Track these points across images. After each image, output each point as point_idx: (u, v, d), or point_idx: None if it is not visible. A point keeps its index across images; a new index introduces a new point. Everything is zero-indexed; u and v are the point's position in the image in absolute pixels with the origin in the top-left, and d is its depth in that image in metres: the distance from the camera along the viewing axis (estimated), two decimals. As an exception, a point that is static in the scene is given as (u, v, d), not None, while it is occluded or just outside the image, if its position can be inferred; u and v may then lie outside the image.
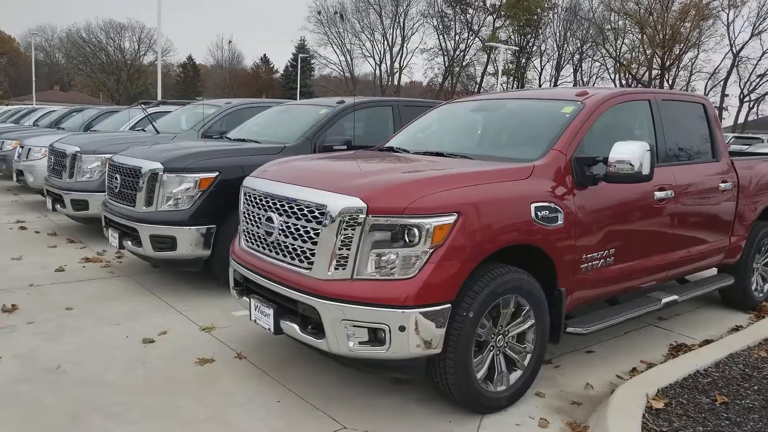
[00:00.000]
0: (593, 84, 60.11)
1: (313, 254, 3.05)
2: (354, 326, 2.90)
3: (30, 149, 9.01)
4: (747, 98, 47.68)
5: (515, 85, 61.50)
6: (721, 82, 48.43)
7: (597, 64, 58.18)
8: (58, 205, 7.15)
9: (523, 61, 61.70)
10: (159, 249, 4.95)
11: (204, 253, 4.98)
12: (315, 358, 3.78)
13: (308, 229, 3.09)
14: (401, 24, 63.56)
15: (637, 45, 51.80)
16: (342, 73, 65.71)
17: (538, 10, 57.43)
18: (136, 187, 5.12)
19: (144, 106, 9.84)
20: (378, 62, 64.96)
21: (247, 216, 3.64)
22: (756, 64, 46.16)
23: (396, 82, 64.71)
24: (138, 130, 9.10)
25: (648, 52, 49.55)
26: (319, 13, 63.12)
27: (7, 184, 12.18)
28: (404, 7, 62.83)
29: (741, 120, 47.87)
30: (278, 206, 3.29)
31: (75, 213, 6.94)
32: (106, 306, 4.76)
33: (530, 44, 60.60)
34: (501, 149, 3.81)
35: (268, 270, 3.31)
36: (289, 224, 3.21)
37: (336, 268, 2.97)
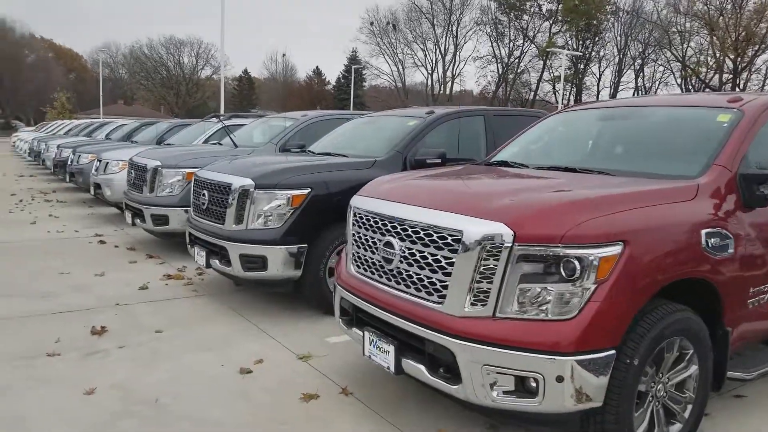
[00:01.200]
0: (657, 90, 57.85)
1: (445, 286, 2.69)
2: (498, 373, 2.50)
3: (107, 163, 9.07)
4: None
5: (573, 92, 59.90)
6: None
7: (660, 68, 56.07)
8: (138, 220, 7.08)
9: (582, 66, 60.10)
10: (249, 269, 4.71)
11: (295, 274, 4.70)
12: (429, 396, 3.40)
13: (439, 257, 2.72)
14: (454, 32, 63.19)
15: (705, 48, 49.54)
16: (394, 82, 65.77)
17: (598, 15, 55.78)
18: (225, 204, 4.90)
19: (220, 119, 9.80)
20: (430, 71, 64.73)
21: (358, 239, 3.31)
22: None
23: (448, 91, 64.17)
24: (213, 143, 9.03)
25: (718, 55, 47.24)
26: (372, 24, 63.53)
27: (83, 196, 12.44)
28: (457, 16, 62.47)
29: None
30: (399, 230, 2.94)
31: (155, 228, 6.84)
32: (196, 329, 4.54)
33: (589, 49, 58.94)
34: (647, 164, 3.33)
35: (388, 301, 2.96)
36: (414, 251, 2.85)
37: (474, 304, 2.59)
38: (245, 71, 74.04)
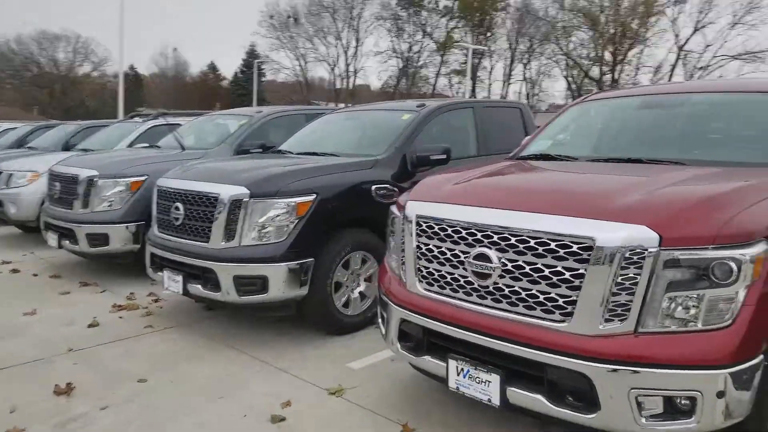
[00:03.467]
0: (540, 82, 60.88)
1: (570, 302, 2.28)
2: (646, 395, 2.16)
3: (11, 175, 7.64)
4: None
5: (470, 86, 61.59)
6: (666, 76, 49.84)
7: (545, 61, 58.97)
8: (67, 241, 5.94)
9: (476, 61, 61.93)
10: (246, 293, 3.96)
11: (300, 294, 4.02)
12: (501, 418, 2.92)
13: (560, 269, 2.29)
14: (355, 27, 62.71)
15: (587, 42, 52.77)
16: (296, 77, 64.24)
17: (492, 11, 57.80)
18: (210, 218, 4.09)
19: (143, 118, 8.67)
20: (332, 66, 63.86)
21: (427, 252, 2.76)
22: (699, 58, 47.75)
23: (350, 86, 63.72)
24: (143, 147, 7.91)
25: (599, 48, 50.54)
26: (272, 17, 61.51)
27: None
28: (358, 11, 62.06)
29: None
30: (497, 240, 2.46)
31: (91, 250, 5.75)
32: (187, 371, 3.73)
33: (483, 44, 60.89)
34: (727, 153, 3.09)
35: (485, 323, 2.49)
36: (521, 263, 2.39)
37: (609, 320, 2.21)
38: (131, 67, 68.98)
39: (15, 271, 6.47)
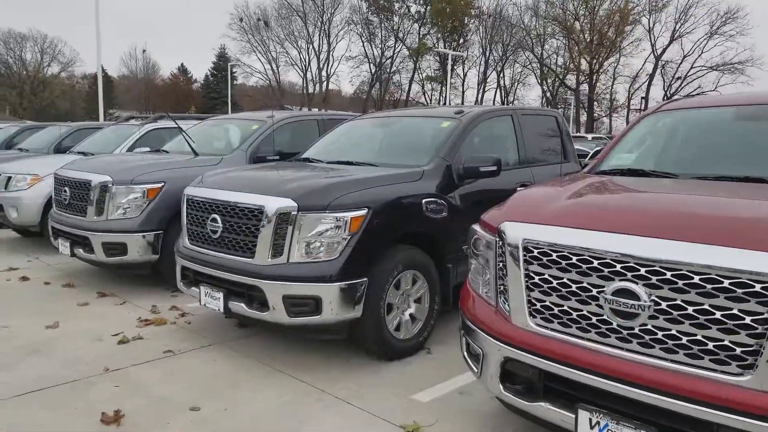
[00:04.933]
0: (515, 89, 61.56)
1: (751, 352, 2.00)
2: None
3: (10, 177, 7.23)
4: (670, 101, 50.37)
5: (441, 92, 61.85)
6: (644, 86, 51.03)
7: (519, 69, 59.68)
8: (80, 249, 5.62)
9: (449, 68, 62.30)
10: (297, 314, 3.73)
11: (353, 315, 3.81)
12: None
13: (737, 312, 2.02)
14: (326, 31, 62.37)
15: (562, 50, 53.62)
16: (268, 81, 63.48)
17: (465, 18, 58.17)
18: (254, 232, 3.86)
19: (156, 122, 8.35)
20: (304, 70, 63.34)
21: (546, 284, 2.48)
22: (677, 68, 48.98)
23: (323, 90, 63.27)
24: (144, 151, 7.58)
25: (575, 56, 51.35)
26: (241, 20, 60.65)
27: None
28: (328, 15, 61.73)
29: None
30: (645, 274, 2.19)
31: (108, 259, 5.44)
32: (241, 400, 3.49)
33: (456, 50, 61.28)
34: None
35: (634, 372, 2.18)
36: (680, 302, 2.11)
37: None
38: (102, 68, 67.21)
39: (24, 278, 6.11)
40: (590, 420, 2.31)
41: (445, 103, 54.98)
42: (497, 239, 2.76)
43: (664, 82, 50.21)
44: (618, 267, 2.27)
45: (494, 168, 4.47)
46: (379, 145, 5.26)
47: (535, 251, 2.55)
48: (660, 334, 2.18)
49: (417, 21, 61.08)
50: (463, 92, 63.85)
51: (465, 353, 2.98)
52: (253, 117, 7.03)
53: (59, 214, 5.99)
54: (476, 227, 3.05)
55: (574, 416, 2.36)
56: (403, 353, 4.13)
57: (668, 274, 2.15)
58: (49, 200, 6.91)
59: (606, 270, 2.30)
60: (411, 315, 4.20)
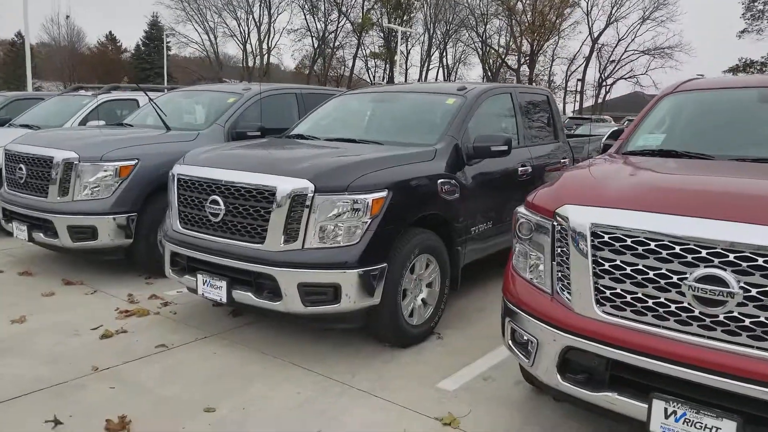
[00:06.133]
0: (457, 69, 61.87)
1: None
2: None
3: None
4: (604, 83, 52.25)
5: (385, 69, 61.38)
6: (581, 68, 52.43)
7: (462, 48, 59.97)
8: (41, 234, 5.05)
9: (393, 45, 61.71)
10: (313, 302, 3.46)
11: (372, 303, 3.57)
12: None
13: None
14: (267, 2, 60.25)
15: (503, 31, 54.22)
16: (205, 52, 60.83)
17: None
18: (265, 216, 3.52)
19: (110, 92, 7.67)
20: (243, 42, 61.08)
21: (618, 270, 2.36)
22: (612, 52, 50.58)
23: (264, 64, 61.32)
24: (99, 124, 6.95)
25: (517, 37, 52.06)
26: (177, -15, 57.52)
27: None
28: (269, -16, 59.56)
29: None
30: (734, 260, 2.11)
31: (76, 245, 4.92)
32: (257, 397, 3.19)
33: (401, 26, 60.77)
34: None
35: (720, 361, 2.12)
36: None
37: None
38: (18, 34, 62.26)
39: (-31, 267, 5.46)
40: (666, 410, 2.24)
41: (390, 81, 54.66)
42: (554, 223, 2.61)
43: (599, 64, 51.82)
44: (703, 253, 2.17)
45: (505, 147, 4.31)
46: (380, 122, 4.98)
47: (606, 236, 2.41)
48: (747, 321, 2.12)
49: (361, -6, 60.03)
50: (407, 70, 63.61)
51: (510, 341, 2.86)
52: (228, 89, 6.56)
53: (13, 194, 5.36)
54: (523, 210, 2.90)
55: (647, 406, 2.28)
56: (416, 340, 3.95)
57: (760, 261, 2.08)
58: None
59: (690, 256, 2.20)
60: (423, 300, 4.02)
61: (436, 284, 4.09)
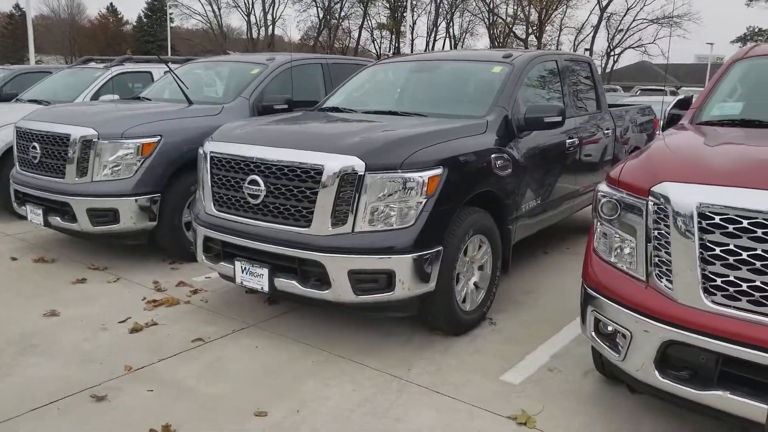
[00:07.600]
0: (463, 39, 60.67)
1: None
2: None
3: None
4: (612, 52, 51.17)
5: (392, 40, 60.24)
6: (589, 37, 51.29)
7: (468, 18, 58.67)
8: (57, 218, 4.76)
9: (398, 15, 60.38)
10: (366, 291, 3.17)
11: (427, 289, 3.27)
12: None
13: None
14: (271, -31, 58.81)
15: (511, 1, 52.91)
16: (209, 23, 59.75)
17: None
18: (310, 197, 3.21)
19: (122, 64, 7.32)
20: (247, 13, 59.88)
21: (732, 256, 2.11)
22: (620, 21, 49.39)
23: (269, 35, 60.23)
24: (114, 99, 6.61)
25: (526, 7, 50.88)
26: (180, -45, 56.18)
27: None
28: (275, -48, 58.12)
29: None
30: None
31: (96, 229, 4.62)
32: (310, 396, 2.92)
33: (406, -3, 59.46)
34: None
35: None
36: None
37: None
38: (17, 6, 61.23)
39: (-9, 253, 5.18)
40: None
41: (396, 52, 53.66)
42: (650, 203, 2.31)
43: (608, 33, 50.68)
44: None
45: (559, 118, 3.96)
46: (422, 93, 4.61)
47: (717, 218, 2.13)
48: None
49: (368, -37, 58.57)
50: (413, 41, 62.47)
51: (593, 333, 2.59)
52: (252, 59, 6.18)
53: (26, 175, 5.05)
54: (606, 188, 2.60)
55: (767, 407, 2.02)
56: (469, 327, 3.68)
57: None
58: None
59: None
60: (475, 284, 3.73)
61: (487, 267, 3.80)
